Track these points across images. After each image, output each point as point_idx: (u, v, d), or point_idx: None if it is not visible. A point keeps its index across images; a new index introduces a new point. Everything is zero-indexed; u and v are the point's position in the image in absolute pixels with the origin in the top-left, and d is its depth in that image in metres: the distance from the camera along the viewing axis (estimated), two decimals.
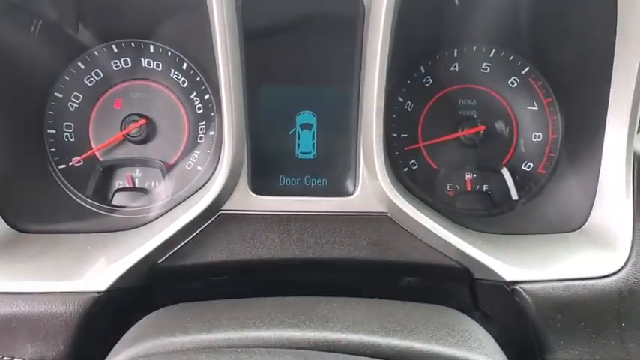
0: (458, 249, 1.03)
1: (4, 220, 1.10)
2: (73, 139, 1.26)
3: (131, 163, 1.26)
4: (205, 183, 1.16)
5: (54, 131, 1.25)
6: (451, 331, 0.82)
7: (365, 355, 0.73)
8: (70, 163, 1.25)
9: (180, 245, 1.06)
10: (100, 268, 0.98)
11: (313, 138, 1.16)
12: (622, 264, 0.99)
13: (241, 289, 1.02)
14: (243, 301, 0.91)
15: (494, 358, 0.78)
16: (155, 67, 1.27)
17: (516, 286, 0.98)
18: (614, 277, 0.98)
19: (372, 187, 1.10)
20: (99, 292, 0.95)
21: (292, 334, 0.76)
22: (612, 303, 0.97)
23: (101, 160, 1.26)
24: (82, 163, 1.25)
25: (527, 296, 0.97)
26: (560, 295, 0.96)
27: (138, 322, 0.89)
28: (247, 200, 1.09)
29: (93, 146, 1.26)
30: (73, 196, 1.24)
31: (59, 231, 1.14)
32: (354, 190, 1.12)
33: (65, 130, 1.25)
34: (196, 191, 1.17)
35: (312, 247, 1.07)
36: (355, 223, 1.09)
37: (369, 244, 1.08)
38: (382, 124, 1.04)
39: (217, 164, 1.12)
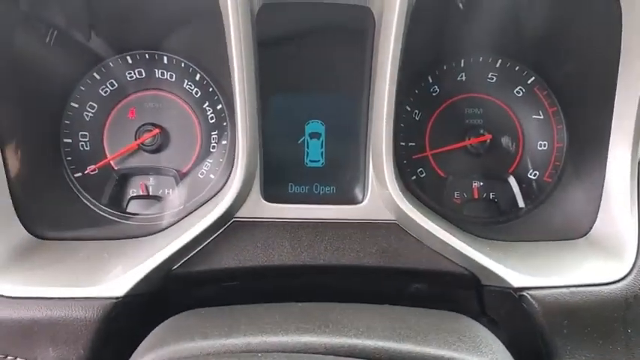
0: (466, 256, 1.05)
1: (23, 227, 1.12)
2: (88, 148, 1.28)
3: (145, 171, 1.29)
4: (218, 191, 1.19)
5: (70, 140, 1.27)
6: (462, 337, 0.84)
7: None
8: (86, 172, 1.27)
9: (195, 252, 1.08)
10: (118, 274, 1.00)
11: (322, 147, 1.18)
12: (627, 271, 1.01)
13: (253, 295, 1.04)
14: (260, 307, 0.93)
15: None
16: (168, 77, 1.29)
17: (524, 293, 1.00)
18: (619, 284, 0.99)
19: (381, 195, 1.12)
20: (117, 298, 0.98)
21: (309, 340, 0.78)
22: (618, 309, 0.98)
23: (116, 168, 1.29)
24: (97, 171, 1.28)
25: (534, 302, 0.99)
26: (566, 301, 0.98)
27: (157, 328, 0.91)
28: (260, 208, 1.12)
29: (108, 155, 1.28)
30: (89, 204, 1.26)
31: (76, 238, 1.17)
32: (363, 197, 1.15)
33: (81, 139, 1.28)
34: (209, 199, 1.19)
35: (323, 253, 1.09)
36: (364, 231, 1.11)
37: (379, 251, 1.10)
38: (391, 133, 1.06)
39: (230, 172, 1.14)
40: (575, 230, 1.15)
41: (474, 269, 1.07)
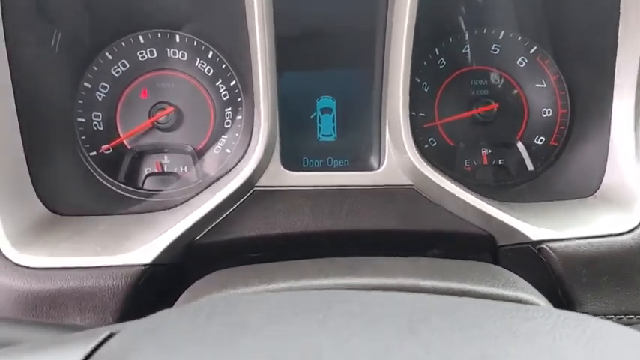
0: (485, 214, 1.07)
1: (43, 204, 1.11)
2: (101, 128, 1.28)
3: (160, 149, 1.29)
4: (237, 164, 1.19)
5: (83, 120, 1.27)
6: (498, 275, 0.86)
7: None
8: (100, 151, 1.27)
9: (217, 222, 1.08)
10: (144, 242, 1.00)
11: (333, 121, 1.21)
12: (639, 221, 1.05)
13: None
14: (291, 262, 0.94)
15: (541, 299, 0.83)
16: (180, 57, 1.30)
17: (543, 245, 1.03)
18: (633, 234, 1.03)
19: (399, 161, 1.14)
20: (144, 265, 0.98)
21: (349, 282, 0.79)
22: (633, 257, 1.02)
23: (130, 147, 1.29)
24: (111, 150, 1.28)
25: (553, 254, 1.02)
26: (584, 251, 1.02)
27: (196, 282, 0.91)
28: (280, 176, 1.13)
29: (121, 134, 1.28)
30: (106, 182, 1.26)
31: (95, 214, 1.16)
32: (379, 165, 1.17)
33: (94, 119, 1.27)
34: (228, 172, 1.20)
35: (344, 219, 1.10)
36: (383, 196, 1.14)
37: (397, 215, 1.12)
38: (408, 101, 1.09)
39: (248, 145, 1.15)
40: (584, 188, 1.19)
41: (491, 228, 1.10)
